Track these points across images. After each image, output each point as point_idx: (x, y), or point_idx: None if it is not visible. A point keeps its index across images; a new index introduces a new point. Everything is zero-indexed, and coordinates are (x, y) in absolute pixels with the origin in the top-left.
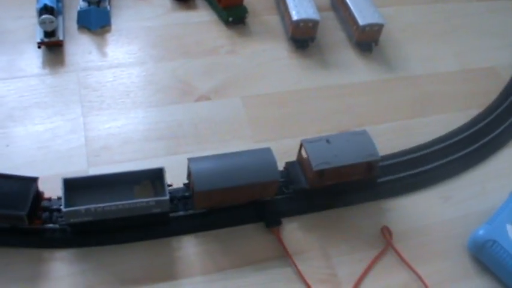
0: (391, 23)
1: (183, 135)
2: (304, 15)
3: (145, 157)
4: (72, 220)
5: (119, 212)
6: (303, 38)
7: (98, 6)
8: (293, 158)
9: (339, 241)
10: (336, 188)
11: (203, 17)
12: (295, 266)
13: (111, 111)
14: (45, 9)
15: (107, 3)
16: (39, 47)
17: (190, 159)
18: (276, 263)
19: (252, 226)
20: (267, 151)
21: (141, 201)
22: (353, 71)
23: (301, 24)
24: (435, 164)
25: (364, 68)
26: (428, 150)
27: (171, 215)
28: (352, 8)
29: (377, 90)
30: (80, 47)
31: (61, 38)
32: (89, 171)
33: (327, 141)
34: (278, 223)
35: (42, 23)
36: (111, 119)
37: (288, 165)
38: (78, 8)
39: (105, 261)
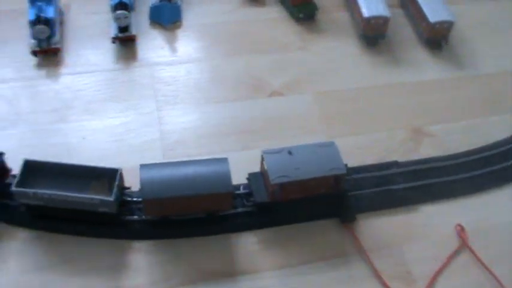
0: (461, 20)
1: (256, 130)
2: (375, 12)
3: (219, 151)
4: (22, 201)
5: (65, 203)
6: (373, 35)
7: (170, 1)
8: (363, 155)
9: (413, 239)
10: (300, 202)
11: (273, 14)
12: (371, 262)
13: (184, 106)
14: (119, 5)
15: None
16: (113, 42)
17: (141, 166)
18: (349, 259)
19: (325, 222)
20: (223, 161)
21: (85, 197)
22: (423, 68)
23: (372, 21)
24: (507, 163)
25: (434, 66)
26: (499, 150)
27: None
28: (421, 5)
29: (447, 88)
30: (152, 42)
31: (134, 33)
32: None
33: (289, 152)
34: (353, 219)
35: (116, 19)
36: (185, 113)
37: (251, 176)
38: (150, 4)
39: (182, 253)
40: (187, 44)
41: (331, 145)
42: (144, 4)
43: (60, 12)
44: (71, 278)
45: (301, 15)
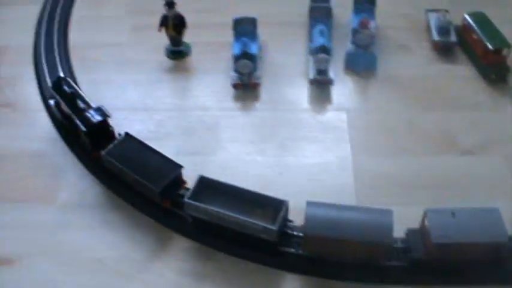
0: None
1: (447, 187)
2: None
3: (410, 203)
4: (191, 213)
5: (230, 222)
6: None
7: (366, 50)
8: None
9: None
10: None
11: (464, 71)
12: None
13: (377, 153)
14: (321, 49)
15: (374, 48)
16: (311, 84)
17: (308, 202)
18: None
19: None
20: (388, 213)
21: (250, 221)
22: None
23: None
24: None
25: None
26: None
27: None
28: None
29: None
30: (346, 88)
31: (331, 77)
32: None
33: (452, 214)
34: None
35: (317, 61)
36: (378, 160)
37: (410, 232)
38: (347, 51)
39: None
40: (380, 93)
41: (495, 211)
42: (339, 50)
43: (260, 49)
44: None
45: (493, 76)
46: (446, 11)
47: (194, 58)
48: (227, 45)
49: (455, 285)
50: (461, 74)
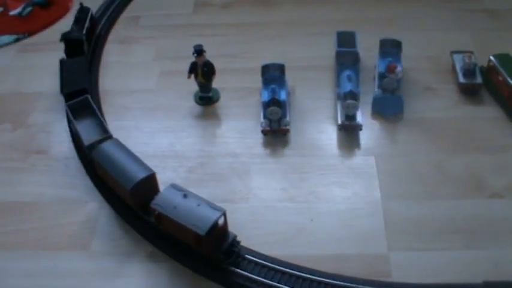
0: None
1: (479, 231)
2: None
3: (443, 248)
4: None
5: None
6: None
7: (393, 94)
8: None
9: None
10: None
11: (491, 113)
12: None
13: (407, 198)
14: (349, 95)
15: (400, 91)
16: (339, 129)
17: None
18: None
19: None
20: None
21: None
22: None
23: None
24: None
25: None
26: None
27: None
28: None
29: None
30: (373, 132)
31: (360, 122)
32: (389, 255)
33: None
34: None
35: (346, 107)
36: (408, 205)
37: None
38: (374, 95)
39: None
40: (408, 136)
41: None
42: (366, 94)
43: (288, 94)
44: None
45: None
46: (472, 52)
47: (223, 104)
48: (255, 90)
49: None
50: (488, 115)
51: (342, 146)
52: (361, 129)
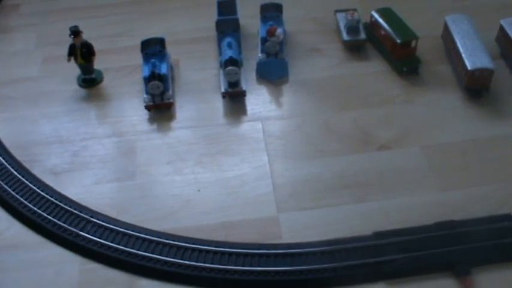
0: None
1: (368, 184)
2: (479, 65)
3: (333, 204)
4: None
5: None
6: (477, 88)
7: (276, 57)
8: (474, 208)
9: None
10: None
11: (376, 67)
12: None
13: (295, 159)
14: (229, 61)
15: (284, 54)
16: (223, 97)
17: None
18: None
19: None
20: None
21: None
22: None
23: (477, 73)
24: None
25: None
26: None
27: None
28: None
29: None
30: (260, 97)
31: (244, 88)
32: (278, 217)
33: None
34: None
35: (227, 74)
36: (297, 166)
37: None
38: (258, 60)
39: None
40: (294, 98)
41: None
42: (252, 60)
43: (171, 68)
44: None
45: (405, 69)
46: (355, 10)
47: (107, 84)
48: (138, 67)
49: None
50: (374, 70)
51: (228, 114)
52: (244, 95)
